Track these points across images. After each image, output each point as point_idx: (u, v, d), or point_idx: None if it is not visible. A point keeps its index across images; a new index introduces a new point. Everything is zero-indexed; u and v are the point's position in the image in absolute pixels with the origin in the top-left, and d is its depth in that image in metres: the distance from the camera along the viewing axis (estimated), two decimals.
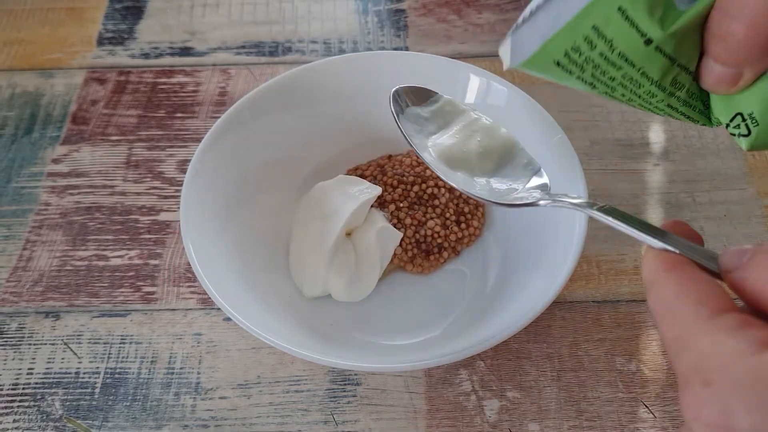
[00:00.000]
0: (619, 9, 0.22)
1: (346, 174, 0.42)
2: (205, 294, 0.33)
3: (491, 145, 0.35)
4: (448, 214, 0.40)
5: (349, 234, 0.39)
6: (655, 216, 0.43)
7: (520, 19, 0.26)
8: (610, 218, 0.25)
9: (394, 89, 0.36)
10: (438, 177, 0.36)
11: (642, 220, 0.24)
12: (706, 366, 0.19)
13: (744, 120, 0.24)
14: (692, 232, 0.23)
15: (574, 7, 0.23)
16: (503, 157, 0.35)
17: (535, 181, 0.33)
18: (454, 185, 0.33)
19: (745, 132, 0.25)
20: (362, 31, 0.54)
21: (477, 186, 0.34)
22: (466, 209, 0.41)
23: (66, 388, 0.36)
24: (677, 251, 0.22)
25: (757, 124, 0.24)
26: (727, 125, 0.25)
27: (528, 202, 0.31)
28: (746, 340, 0.18)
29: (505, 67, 0.26)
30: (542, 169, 0.34)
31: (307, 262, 0.38)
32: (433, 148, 0.35)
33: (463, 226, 0.40)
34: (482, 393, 0.36)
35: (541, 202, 0.31)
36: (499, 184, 0.34)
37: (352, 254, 0.38)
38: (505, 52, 0.26)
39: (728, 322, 0.19)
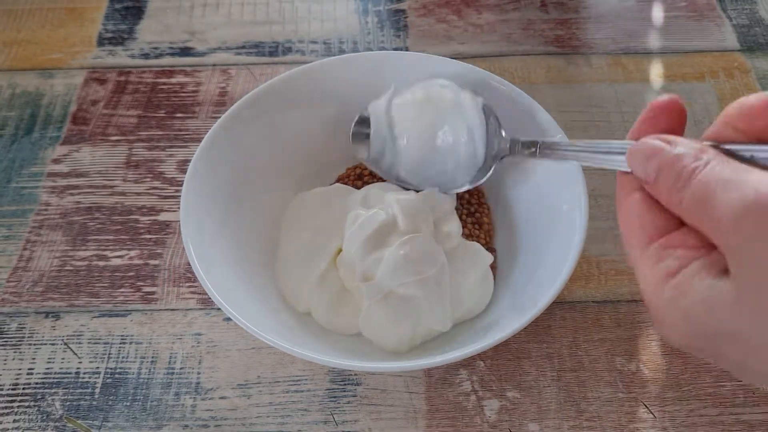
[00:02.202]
0: None
1: (346, 172, 0.42)
2: (205, 294, 0.33)
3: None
4: (464, 217, 0.40)
5: (340, 251, 0.38)
6: None
7: None
8: (570, 152, 0.30)
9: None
10: None
11: (605, 142, 0.27)
12: (646, 299, 0.22)
13: None
14: (674, 110, 0.24)
15: None
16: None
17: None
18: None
19: None
20: (362, 31, 0.54)
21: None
22: (472, 208, 0.40)
23: (66, 388, 0.36)
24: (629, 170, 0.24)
25: None
26: None
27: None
28: (659, 273, 0.21)
29: None
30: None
31: (294, 277, 0.37)
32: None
33: (477, 225, 0.40)
34: (482, 393, 0.36)
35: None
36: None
37: (339, 280, 0.37)
38: None
39: (651, 256, 0.22)
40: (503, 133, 0.36)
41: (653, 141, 0.23)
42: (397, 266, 0.35)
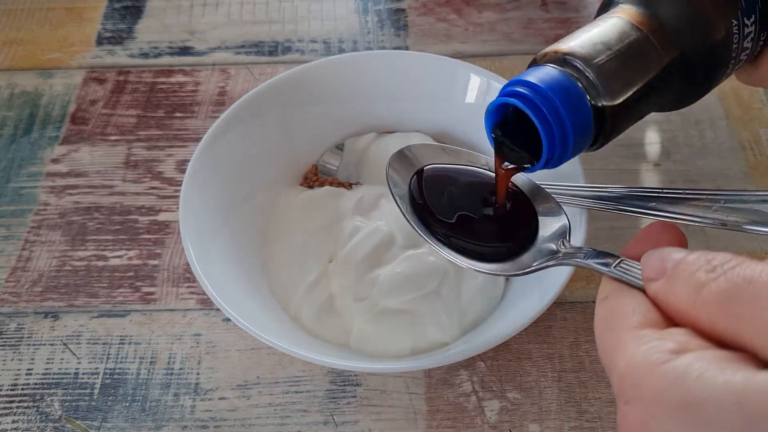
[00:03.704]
0: None
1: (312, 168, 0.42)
2: (205, 294, 0.33)
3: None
4: None
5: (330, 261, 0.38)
6: None
7: None
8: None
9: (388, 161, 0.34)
10: None
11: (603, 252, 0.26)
12: (625, 385, 0.19)
13: None
14: (670, 234, 0.23)
15: None
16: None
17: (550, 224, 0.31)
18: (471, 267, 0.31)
19: None
20: (362, 30, 0.54)
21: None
22: None
23: (65, 389, 0.36)
24: (614, 275, 0.23)
25: None
26: None
27: (535, 268, 0.29)
28: (658, 351, 0.18)
29: None
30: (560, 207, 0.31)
31: (284, 281, 0.37)
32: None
33: None
34: (482, 394, 0.36)
35: (552, 262, 0.29)
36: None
37: (329, 290, 0.36)
38: None
39: (644, 336, 0.19)
40: None
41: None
42: (394, 286, 0.35)
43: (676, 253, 0.20)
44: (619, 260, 0.23)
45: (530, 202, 0.32)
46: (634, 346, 0.19)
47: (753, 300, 0.17)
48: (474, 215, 0.32)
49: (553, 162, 0.27)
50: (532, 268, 0.29)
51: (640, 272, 0.22)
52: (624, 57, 0.27)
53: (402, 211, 0.32)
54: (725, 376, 0.16)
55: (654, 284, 0.21)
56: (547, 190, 0.33)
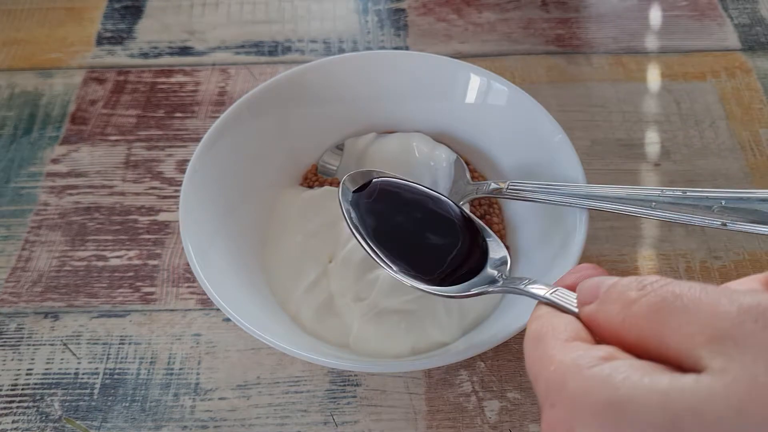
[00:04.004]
0: None
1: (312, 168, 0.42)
2: (205, 294, 0.33)
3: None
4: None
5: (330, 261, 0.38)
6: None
7: None
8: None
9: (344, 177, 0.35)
10: None
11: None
12: (551, 388, 0.19)
13: None
14: (599, 272, 0.24)
15: None
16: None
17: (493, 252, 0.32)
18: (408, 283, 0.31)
19: None
20: (362, 30, 0.54)
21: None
22: (482, 210, 0.40)
23: (65, 389, 0.36)
24: (548, 300, 0.23)
25: None
26: None
27: (474, 292, 0.30)
28: (586, 356, 0.19)
29: None
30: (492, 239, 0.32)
31: (283, 281, 0.37)
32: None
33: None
34: (482, 394, 0.36)
35: (491, 289, 0.30)
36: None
37: (329, 290, 0.36)
38: None
39: (575, 347, 0.20)
40: (469, 179, 0.39)
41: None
42: (394, 286, 0.35)
43: (610, 280, 0.21)
44: (554, 289, 0.24)
45: (480, 233, 0.33)
46: (563, 354, 0.19)
47: (680, 311, 0.18)
48: (426, 238, 0.33)
49: None
50: (472, 292, 0.30)
51: (574, 300, 0.22)
52: None
53: (353, 232, 0.33)
54: (651, 378, 0.17)
55: (587, 307, 0.21)
56: (544, 190, 0.34)
